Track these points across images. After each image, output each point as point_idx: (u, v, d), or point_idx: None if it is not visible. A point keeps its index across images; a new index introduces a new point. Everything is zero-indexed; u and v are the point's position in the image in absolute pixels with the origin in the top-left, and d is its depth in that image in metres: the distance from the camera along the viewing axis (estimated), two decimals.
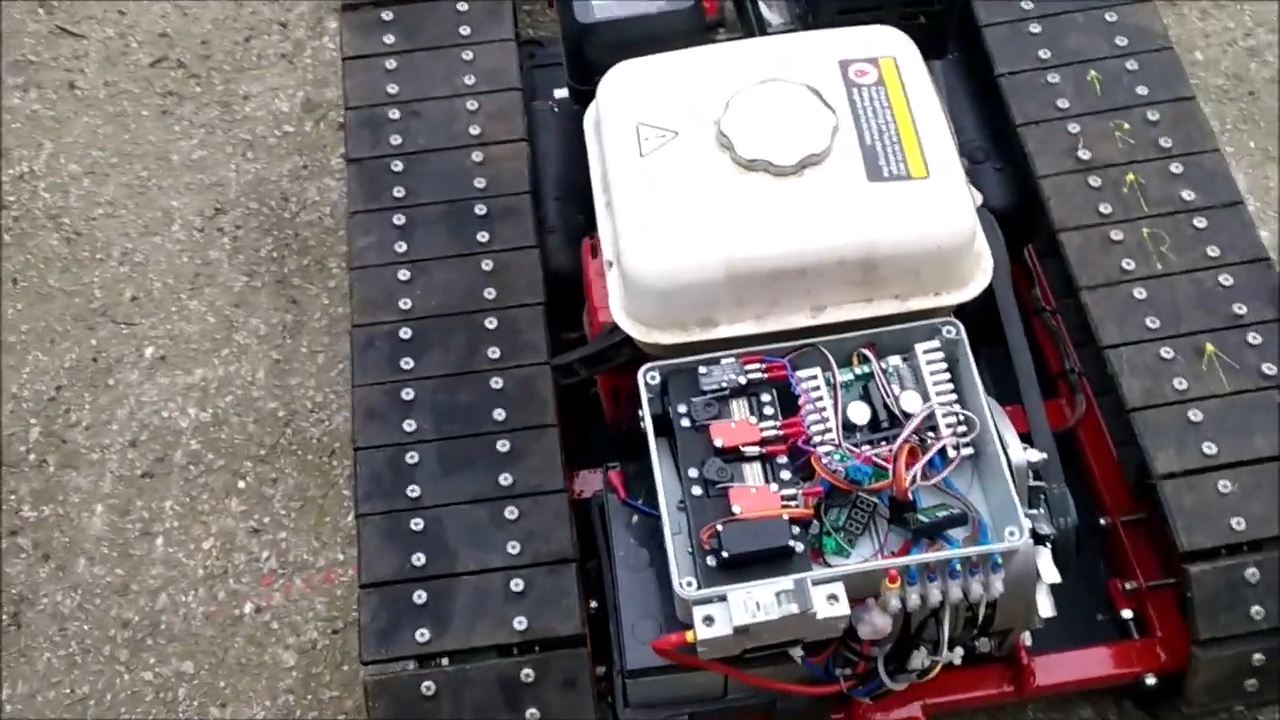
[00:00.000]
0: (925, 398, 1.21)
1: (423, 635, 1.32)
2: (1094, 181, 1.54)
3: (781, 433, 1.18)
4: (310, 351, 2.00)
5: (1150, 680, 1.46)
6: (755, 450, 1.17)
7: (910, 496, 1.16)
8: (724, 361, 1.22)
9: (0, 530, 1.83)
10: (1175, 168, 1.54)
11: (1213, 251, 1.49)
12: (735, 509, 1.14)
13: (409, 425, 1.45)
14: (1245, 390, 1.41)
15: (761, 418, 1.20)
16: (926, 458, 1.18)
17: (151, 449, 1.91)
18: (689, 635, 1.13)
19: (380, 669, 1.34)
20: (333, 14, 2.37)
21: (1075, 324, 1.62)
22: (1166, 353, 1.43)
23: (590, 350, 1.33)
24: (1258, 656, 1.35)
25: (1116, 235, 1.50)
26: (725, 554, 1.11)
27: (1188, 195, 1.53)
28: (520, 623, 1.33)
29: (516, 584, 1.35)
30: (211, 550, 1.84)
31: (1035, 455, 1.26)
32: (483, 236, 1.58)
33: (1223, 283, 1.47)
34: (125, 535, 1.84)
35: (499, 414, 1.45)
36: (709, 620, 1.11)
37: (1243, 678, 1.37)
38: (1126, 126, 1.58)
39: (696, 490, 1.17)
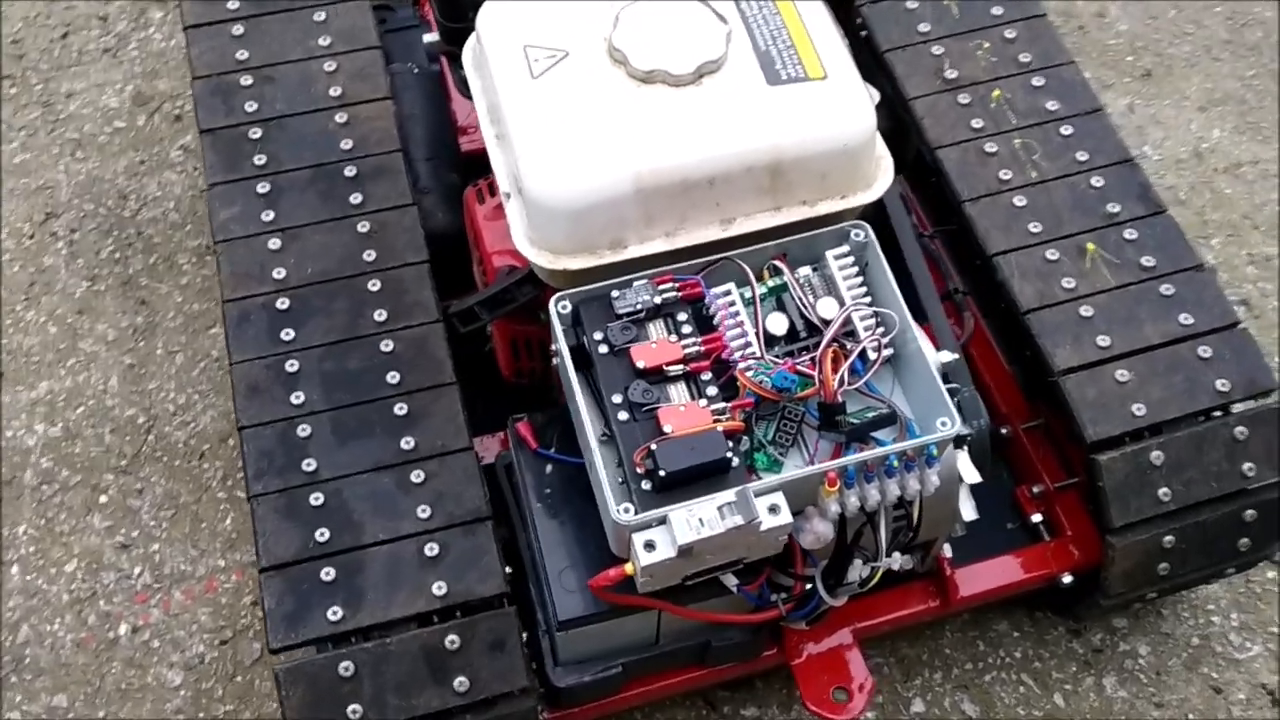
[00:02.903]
0: (841, 303, 1.19)
1: (335, 614, 1.23)
2: (963, 99, 1.57)
3: (703, 349, 1.15)
4: (167, 352, 1.87)
5: (1067, 579, 1.48)
6: (679, 369, 1.14)
7: (840, 399, 1.14)
8: (636, 284, 1.17)
9: None
10: (1037, 81, 1.58)
11: (1081, 156, 1.53)
12: (666, 428, 1.10)
13: (297, 398, 1.36)
14: (1129, 283, 1.44)
15: (681, 337, 1.16)
16: (849, 361, 1.16)
17: None
18: (627, 568, 1.08)
19: (291, 656, 1.24)
20: (155, 5, 2.24)
21: (955, 248, 1.65)
22: (1052, 255, 1.46)
23: (491, 291, 1.27)
24: (1168, 539, 1.39)
25: (991, 148, 1.53)
26: (662, 473, 1.07)
27: (1052, 105, 1.56)
28: (439, 588, 1.25)
29: (431, 548, 1.27)
30: (75, 572, 1.69)
31: (946, 356, 1.26)
32: (355, 198, 1.49)
33: (1094, 184, 1.51)
34: None
35: (393, 377, 1.37)
36: (650, 545, 1.06)
37: (1155, 562, 1.41)
38: (987, 45, 1.61)
39: (623, 415, 1.12)
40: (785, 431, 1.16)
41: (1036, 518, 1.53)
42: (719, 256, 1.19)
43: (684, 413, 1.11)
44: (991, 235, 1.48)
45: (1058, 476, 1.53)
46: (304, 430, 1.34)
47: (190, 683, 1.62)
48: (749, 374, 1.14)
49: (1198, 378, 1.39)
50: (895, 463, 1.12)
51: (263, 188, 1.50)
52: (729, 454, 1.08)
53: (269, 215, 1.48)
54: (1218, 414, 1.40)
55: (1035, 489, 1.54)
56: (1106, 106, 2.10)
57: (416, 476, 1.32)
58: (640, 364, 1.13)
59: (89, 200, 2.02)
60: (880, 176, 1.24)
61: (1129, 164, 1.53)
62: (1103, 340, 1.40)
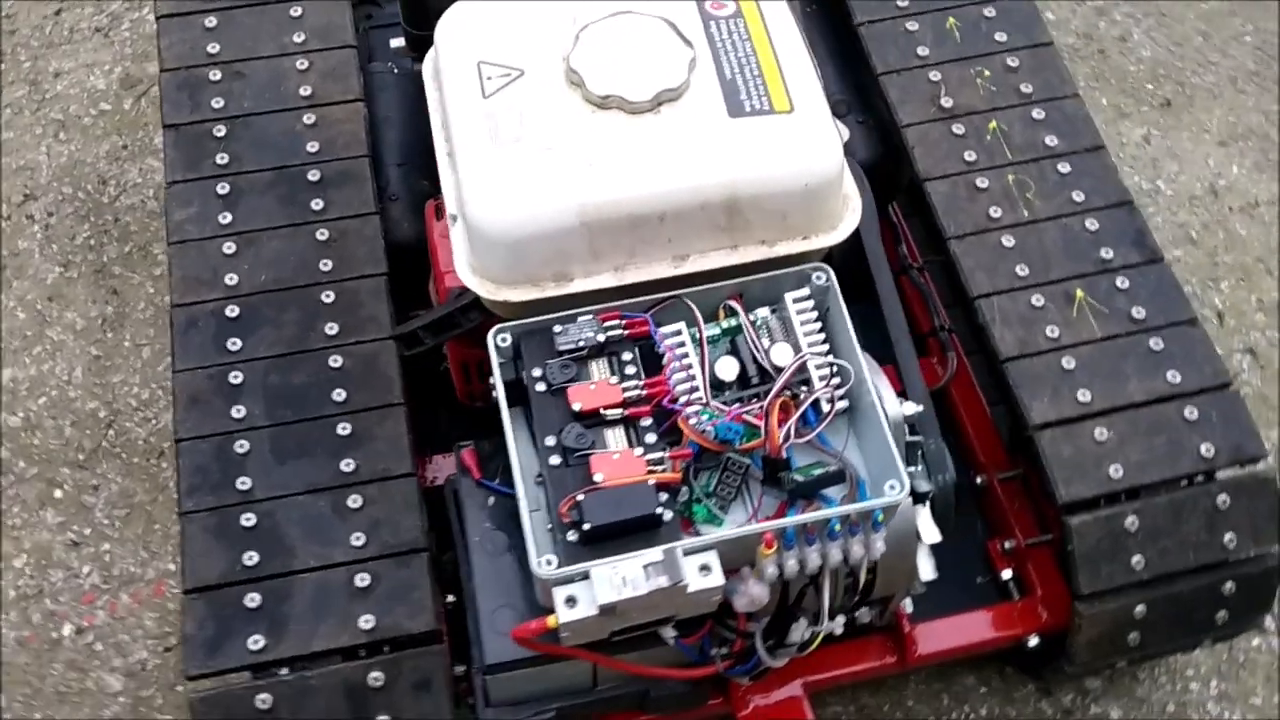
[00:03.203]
0: (796, 349, 1.13)
1: (256, 642, 1.19)
2: (958, 129, 1.49)
3: (645, 393, 1.09)
4: (134, 345, 1.83)
5: (1033, 641, 1.41)
6: (617, 413, 1.08)
7: (785, 455, 1.08)
8: (580, 319, 1.12)
9: None
10: (1037, 113, 1.51)
11: (1077, 196, 1.45)
12: (597, 477, 1.04)
13: (238, 411, 1.31)
14: (1116, 335, 1.37)
15: (623, 378, 1.11)
16: (799, 412, 1.10)
17: None
18: (550, 620, 1.02)
19: (208, 684, 1.19)
20: None
21: (943, 282, 1.58)
22: (1037, 300, 1.39)
23: (436, 315, 1.22)
24: (1139, 608, 1.32)
25: (982, 183, 1.46)
26: (586, 526, 1.01)
27: (1051, 140, 1.49)
28: (367, 621, 1.21)
29: (362, 579, 1.23)
30: (24, 568, 1.66)
31: (911, 408, 1.19)
32: (317, 204, 1.45)
33: (1089, 227, 1.43)
34: None
35: (339, 394, 1.33)
36: (571, 601, 1.01)
37: (1125, 631, 1.34)
38: (987, 73, 1.54)
39: (554, 460, 1.06)
40: (727, 484, 1.11)
41: (1006, 574, 1.46)
42: (669, 295, 1.13)
43: (617, 461, 1.05)
44: (976, 276, 1.41)
45: (1032, 532, 1.46)
46: (242, 446, 1.30)
47: (130, 690, 1.58)
48: (691, 421, 1.08)
49: (1181, 440, 1.32)
50: (839, 526, 1.06)
51: (222, 188, 1.45)
52: (659, 509, 1.03)
53: (226, 218, 1.43)
54: (1200, 480, 1.32)
55: (1007, 544, 1.47)
56: (1121, 136, 2.04)
57: (354, 501, 1.27)
58: (577, 406, 1.07)
59: (68, 184, 1.98)
60: (847, 217, 1.18)
61: (1127, 207, 1.45)
62: (1083, 395, 1.33)
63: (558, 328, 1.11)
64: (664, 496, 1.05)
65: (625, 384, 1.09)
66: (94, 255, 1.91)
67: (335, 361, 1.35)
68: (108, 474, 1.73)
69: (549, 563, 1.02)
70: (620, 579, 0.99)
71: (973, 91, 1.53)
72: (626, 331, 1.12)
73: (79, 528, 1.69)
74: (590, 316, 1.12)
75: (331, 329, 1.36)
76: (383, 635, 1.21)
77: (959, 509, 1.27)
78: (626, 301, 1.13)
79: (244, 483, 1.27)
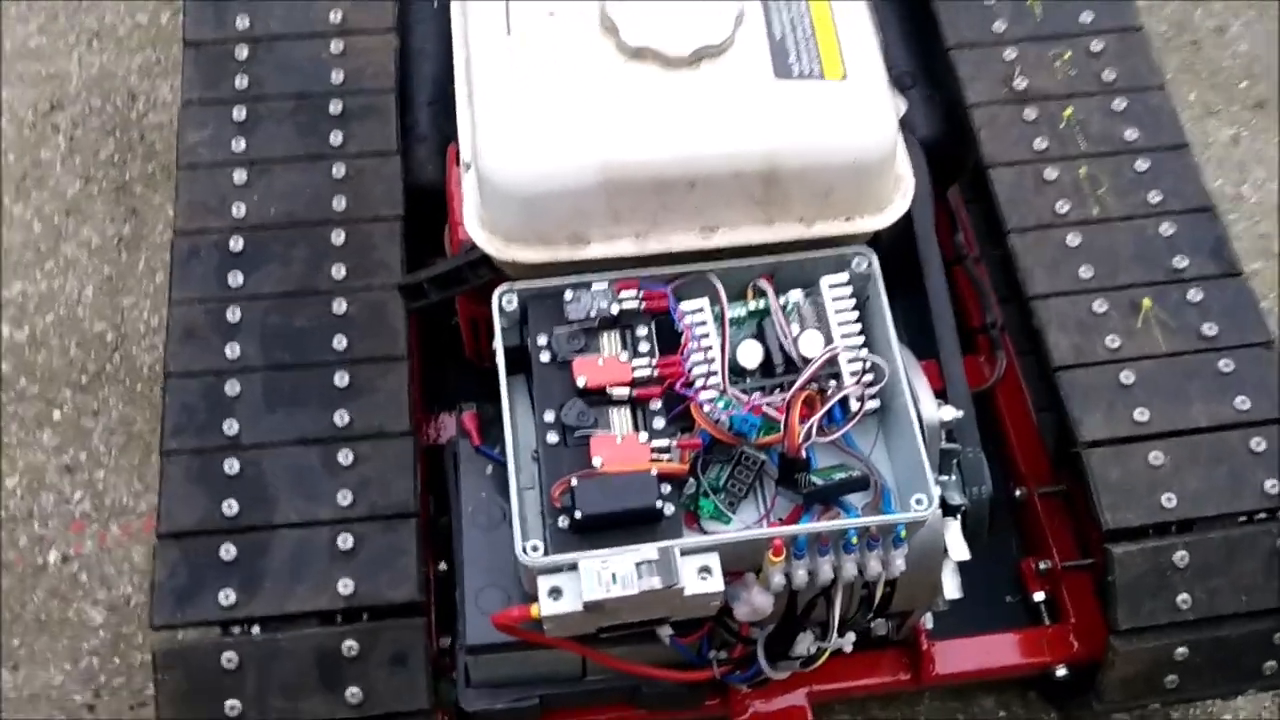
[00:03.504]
0: (828, 339, 1.03)
1: (227, 597, 1.12)
2: (1029, 114, 1.38)
3: (657, 373, 1.00)
4: (149, 268, 1.77)
5: (1061, 672, 1.32)
6: (624, 392, 0.99)
7: (804, 454, 0.98)
8: (595, 286, 1.02)
9: None
10: (1118, 103, 1.39)
11: (1154, 197, 1.34)
12: (596, 461, 0.95)
13: (232, 350, 1.24)
14: (1183, 352, 1.26)
15: (635, 354, 1.01)
16: (825, 409, 1.00)
17: None
18: (534, 609, 0.94)
19: (173, 635, 1.13)
20: None
21: (999, 276, 1.47)
22: (1099, 307, 1.28)
23: (444, 269, 1.13)
24: (1181, 650, 1.21)
25: (1051, 174, 1.35)
26: (578, 514, 0.93)
27: (1130, 134, 1.37)
28: (346, 585, 1.13)
29: (345, 540, 1.15)
30: (15, 489, 1.61)
31: (950, 413, 1.09)
32: (336, 138, 1.36)
33: (1163, 232, 1.32)
34: None
35: (339, 342, 1.25)
36: (556, 593, 0.92)
37: (1163, 673, 1.23)
38: (1068, 56, 1.42)
39: (552, 437, 0.98)
40: (740, 479, 1.01)
41: (1039, 596, 1.36)
42: (694, 268, 1.03)
43: (620, 445, 0.96)
44: (1035, 274, 1.30)
45: (1071, 555, 1.36)
46: (233, 388, 1.23)
47: (111, 624, 1.53)
48: (705, 409, 0.99)
49: (1244, 474, 1.21)
50: (856, 538, 0.96)
51: (239, 113, 1.37)
52: (659, 502, 0.94)
53: (240, 144, 1.36)
54: (1261, 518, 1.21)
55: (1042, 564, 1.37)
56: (1207, 135, 1.90)
57: (344, 457, 1.19)
58: (581, 381, 0.98)
59: (97, 95, 1.91)
60: (897, 199, 1.07)
61: (1208, 213, 1.33)
62: (1140, 414, 1.22)
63: (569, 294, 1.02)
64: (667, 488, 0.96)
65: (636, 361, 1.00)
66: (116, 172, 1.85)
67: (339, 307, 1.27)
68: (109, 399, 1.67)
69: (535, 549, 0.94)
70: (609, 575, 0.90)
71: (1050, 74, 1.41)
72: (643, 304, 1.03)
73: (74, 452, 1.63)
74: (605, 284, 1.02)
75: (339, 272, 1.29)
76: (361, 602, 1.13)
77: (994, 524, 1.17)
78: (646, 272, 1.03)
79: (231, 426, 1.20)
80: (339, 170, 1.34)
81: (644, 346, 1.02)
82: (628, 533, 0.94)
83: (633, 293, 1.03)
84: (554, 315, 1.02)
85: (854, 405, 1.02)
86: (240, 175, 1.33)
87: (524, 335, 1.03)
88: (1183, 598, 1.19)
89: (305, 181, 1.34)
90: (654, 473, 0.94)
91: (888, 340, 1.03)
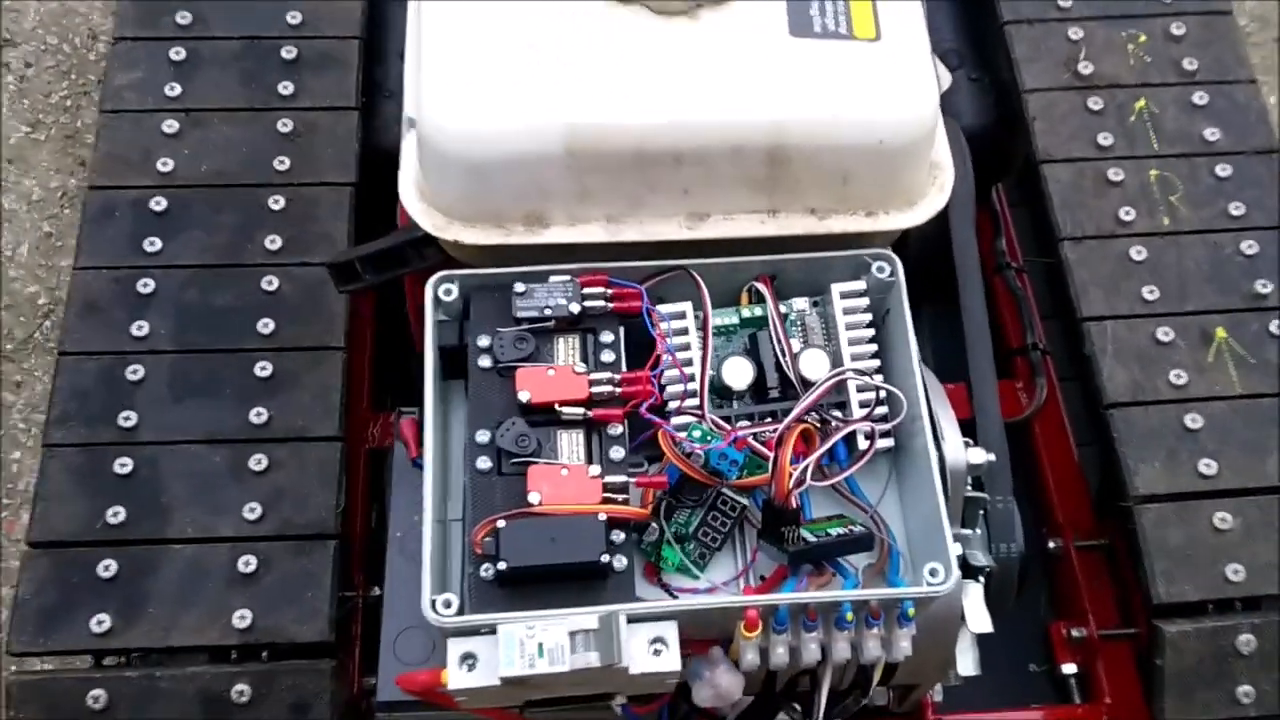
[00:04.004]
0: (835, 360, 0.84)
1: (101, 623, 0.95)
2: (1094, 103, 1.19)
3: (620, 391, 0.81)
4: None
5: None
6: (577, 412, 0.80)
7: (795, 501, 0.79)
8: (553, 280, 0.83)
9: None
10: (1199, 96, 1.19)
11: (1235, 209, 1.14)
12: (532, 497, 0.76)
13: (140, 328, 1.07)
14: (1261, 394, 1.07)
15: (597, 365, 0.82)
16: (825, 447, 0.81)
17: None
18: (444, 675, 0.75)
19: (34, 664, 0.95)
20: None
21: (1046, 291, 1.27)
22: (1164, 334, 1.08)
23: (380, 246, 0.94)
24: None
25: (1116, 174, 1.16)
26: (503, 565, 0.74)
27: (1211, 134, 1.18)
28: (243, 617, 0.96)
29: (247, 562, 0.98)
30: None
31: (979, 456, 0.90)
32: (285, 87, 1.19)
33: (1244, 250, 1.13)
34: None
35: (265, 325, 1.07)
36: (470, 660, 0.74)
37: None
38: (1143, 39, 1.22)
39: (483, 463, 0.79)
40: (714, 529, 0.82)
41: (1069, 668, 1.17)
42: (675, 264, 0.84)
43: (565, 479, 0.77)
44: (1089, 292, 1.11)
45: (1110, 621, 1.16)
46: (136, 372, 1.05)
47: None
48: (678, 436, 0.80)
49: None
50: (850, 614, 0.77)
51: (177, 53, 1.20)
52: (605, 556, 0.74)
53: (174, 89, 1.18)
54: None
55: (1076, 631, 1.17)
56: None
57: (257, 462, 1.02)
58: (524, 395, 0.79)
59: (54, 33, 1.73)
60: (932, 193, 0.87)
61: None
62: (1207, 466, 1.03)
63: (520, 286, 0.83)
64: (620, 536, 0.77)
65: (596, 375, 0.81)
66: (67, 118, 1.67)
67: (270, 283, 1.09)
68: (34, 370, 1.49)
69: (446, 605, 0.75)
70: (535, 646, 0.71)
71: (1121, 59, 1.22)
72: (612, 305, 0.83)
73: None
74: (568, 278, 0.83)
75: (273, 242, 1.11)
76: (260, 638, 0.96)
77: (1023, 586, 0.98)
78: (619, 264, 0.84)
79: (128, 418, 1.03)
80: (285, 125, 1.16)
81: (608, 356, 0.82)
82: (566, 590, 0.75)
83: (600, 290, 0.83)
84: (500, 312, 0.83)
85: (862, 443, 0.83)
86: (171, 124, 1.16)
87: (462, 333, 0.84)
88: (1245, 690, 1.00)
89: (245, 136, 1.17)
90: (602, 518, 0.75)
91: (909, 365, 0.83)
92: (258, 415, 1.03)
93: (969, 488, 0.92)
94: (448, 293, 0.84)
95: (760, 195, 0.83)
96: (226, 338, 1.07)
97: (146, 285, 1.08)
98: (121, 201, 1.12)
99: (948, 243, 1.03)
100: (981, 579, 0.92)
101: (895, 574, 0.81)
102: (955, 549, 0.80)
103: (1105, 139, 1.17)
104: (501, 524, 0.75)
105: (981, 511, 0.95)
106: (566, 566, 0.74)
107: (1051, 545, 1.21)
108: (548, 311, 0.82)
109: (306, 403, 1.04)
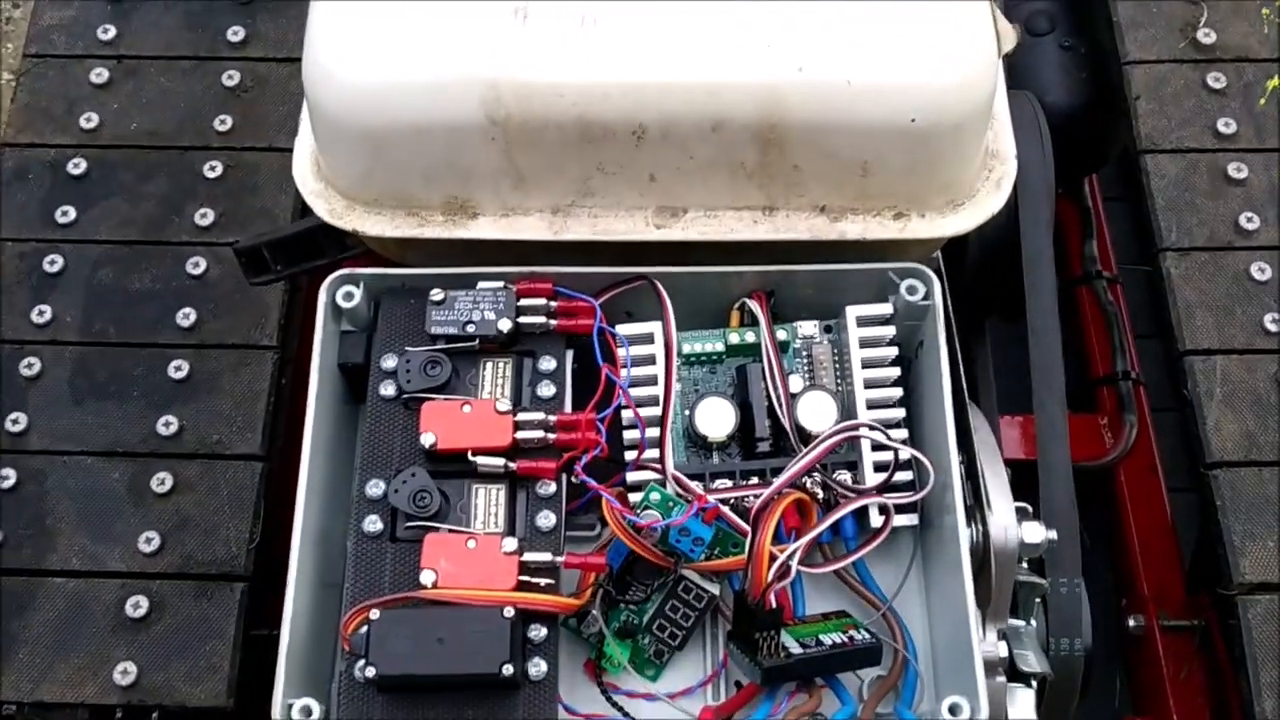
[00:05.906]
0: (846, 408, 0.64)
1: None
2: (1215, 80, 0.96)
3: (554, 438, 0.61)
4: None
5: None
6: (497, 464, 0.61)
7: (772, 602, 0.59)
8: (483, 286, 0.65)
9: None
10: None
11: None
12: (425, 576, 0.58)
13: (41, 314, 0.92)
14: None
15: (532, 401, 0.63)
16: (824, 525, 0.61)
17: None
18: None
19: None
20: None
21: (1144, 308, 1.05)
22: None
23: (289, 232, 0.76)
24: None
25: (1238, 170, 0.93)
26: (371, 672, 0.55)
27: None
28: (125, 673, 0.80)
29: (137, 604, 0.81)
30: None
31: (1037, 534, 0.70)
32: (235, 33, 1.02)
33: None
34: None
35: (186, 316, 0.91)
36: None
37: None
38: (1278, 3, 0.99)
39: (371, 524, 0.61)
40: (674, 621, 0.63)
41: None
42: (636, 272, 0.64)
43: (471, 553, 0.59)
44: (1196, 317, 0.90)
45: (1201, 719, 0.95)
46: (30, 366, 0.90)
47: None
48: (628, 502, 0.61)
49: None
50: None
51: None
52: (505, 667, 0.56)
53: (108, 32, 1.02)
54: None
55: None
56: None
57: (160, 482, 0.86)
58: (429, 439, 0.61)
59: None
60: (984, 192, 0.66)
61: None
62: None
63: (438, 294, 0.64)
64: (539, 633, 0.58)
65: (524, 415, 0.61)
66: None
67: (196, 265, 0.94)
68: None
69: (306, 712, 0.57)
70: None
71: (1251, 27, 1.03)
72: (555, 322, 0.64)
73: None
74: (500, 285, 0.64)
75: (204, 217, 0.95)
76: (145, 698, 0.80)
77: (1088, 685, 0.78)
78: (567, 270, 0.65)
79: (16, 421, 0.88)
80: (232, 77, 1.00)
81: (547, 390, 0.63)
82: (465, 701, 0.57)
83: (541, 301, 0.64)
84: (413, 326, 0.65)
85: (875, 519, 0.63)
86: (100, 73, 1.01)
87: (367, 349, 0.66)
88: None
89: (185, 88, 1.01)
90: (509, 612, 0.56)
91: (942, 419, 0.63)
92: (166, 425, 0.88)
93: (1023, 569, 0.72)
94: (349, 297, 0.66)
95: (752, 186, 0.63)
96: (139, 329, 0.92)
97: (54, 263, 0.93)
98: (36, 162, 0.98)
99: (1016, 250, 0.82)
100: (1034, 685, 0.73)
101: (908, 701, 0.61)
102: (984, 694, 0.59)
103: (1226, 126, 0.97)
104: (375, 615, 0.56)
105: (1039, 600, 0.75)
106: (454, 679, 0.56)
107: (1132, 623, 1.00)
108: (470, 328, 0.64)
109: (226, 412, 0.88)
